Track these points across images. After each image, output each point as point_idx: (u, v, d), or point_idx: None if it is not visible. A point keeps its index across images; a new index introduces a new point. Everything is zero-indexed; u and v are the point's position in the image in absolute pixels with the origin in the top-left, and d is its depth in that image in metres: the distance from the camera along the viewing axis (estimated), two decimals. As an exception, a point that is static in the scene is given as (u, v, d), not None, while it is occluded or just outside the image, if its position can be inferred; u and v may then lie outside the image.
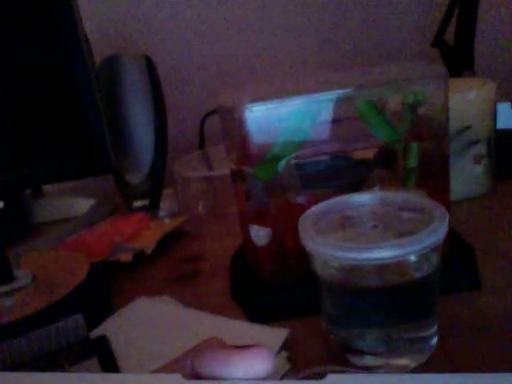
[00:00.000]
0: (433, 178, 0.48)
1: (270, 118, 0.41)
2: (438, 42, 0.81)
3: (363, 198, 0.38)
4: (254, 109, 0.40)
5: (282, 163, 0.42)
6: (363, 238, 0.35)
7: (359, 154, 0.54)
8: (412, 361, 0.36)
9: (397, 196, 0.38)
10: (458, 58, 0.82)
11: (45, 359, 0.41)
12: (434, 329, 0.36)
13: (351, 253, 0.33)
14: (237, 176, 0.45)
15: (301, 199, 0.48)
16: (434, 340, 0.36)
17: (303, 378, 0.33)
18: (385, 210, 0.37)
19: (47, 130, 0.67)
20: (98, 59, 0.69)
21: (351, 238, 0.35)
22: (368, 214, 0.37)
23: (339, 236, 0.36)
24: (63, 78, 0.63)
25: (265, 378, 0.21)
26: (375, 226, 0.36)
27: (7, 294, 0.49)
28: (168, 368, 0.25)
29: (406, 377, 0.25)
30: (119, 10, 0.91)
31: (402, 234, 0.34)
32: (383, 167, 0.54)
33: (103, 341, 0.42)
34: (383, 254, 0.32)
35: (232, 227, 0.63)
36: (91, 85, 0.63)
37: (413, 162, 0.47)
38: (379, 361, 0.36)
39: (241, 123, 0.40)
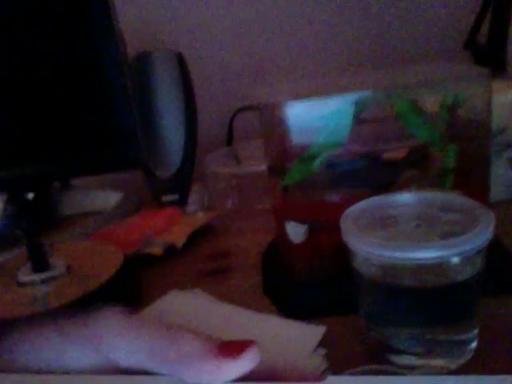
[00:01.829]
0: (471, 180, 0.47)
1: (311, 116, 0.41)
2: (470, 42, 0.81)
3: (404, 198, 0.38)
4: (295, 106, 0.40)
5: (319, 161, 0.42)
6: (406, 237, 0.35)
7: (391, 155, 0.54)
8: (450, 363, 0.36)
9: (438, 196, 0.38)
10: (490, 58, 0.81)
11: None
12: (474, 332, 0.36)
13: (394, 252, 0.32)
14: (274, 172, 0.45)
15: (334, 197, 0.48)
16: (474, 344, 0.36)
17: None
18: (426, 211, 0.37)
19: (79, 123, 0.68)
20: (130, 55, 0.70)
21: (393, 237, 0.35)
22: (409, 213, 0.37)
23: (381, 235, 0.35)
24: (97, 72, 0.63)
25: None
26: (418, 226, 0.35)
27: (43, 281, 0.50)
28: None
29: (406, 378, 0.25)
30: (151, 8, 0.91)
31: (445, 235, 0.34)
32: (414, 168, 0.54)
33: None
34: (426, 254, 0.32)
35: (261, 223, 0.63)
36: (124, 80, 0.63)
37: (451, 163, 0.47)
38: (418, 361, 0.36)
39: (281, 120, 0.40)
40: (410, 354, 0.36)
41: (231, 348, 0.23)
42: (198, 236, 0.63)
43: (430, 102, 0.46)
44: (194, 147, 0.73)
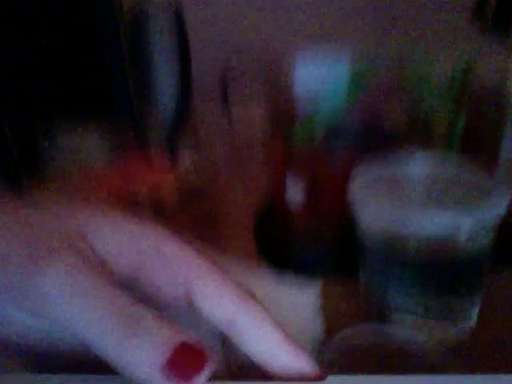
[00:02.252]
0: (480, 153, 0.45)
1: (320, 74, 0.38)
2: (479, 10, 0.77)
3: (415, 165, 0.36)
4: (304, 57, 0.37)
5: (326, 124, 0.40)
6: (414, 206, 0.33)
7: (392, 125, 0.52)
8: (448, 336, 0.35)
9: (450, 166, 0.36)
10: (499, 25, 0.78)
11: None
12: (475, 309, 0.35)
13: (400, 220, 0.31)
14: (276, 130, 0.42)
15: (336, 163, 0.46)
16: (473, 320, 0.35)
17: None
18: (438, 181, 0.35)
19: (67, 74, 0.65)
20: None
21: (401, 205, 0.33)
22: (420, 182, 0.35)
23: (388, 201, 0.34)
24: (88, 21, 0.60)
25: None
26: (428, 196, 0.34)
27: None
28: None
29: (406, 378, 0.24)
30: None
31: (456, 207, 0.32)
32: (415, 139, 0.52)
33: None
34: (434, 225, 0.31)
35: (255, 183, 0.61)
36: (117, 31, 0.60)
37: (457, 132, 0.45)
38: (416, 335, 0.34)
39: (289, 74, 0.37)
40: (408, 322, 0.35)
41: (183, 367, 0.18)
42: (188, 197, 0.61)
43: (442, 67, 0.44)
44: (188, 102, 0.70)
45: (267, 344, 0.22)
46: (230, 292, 0.22)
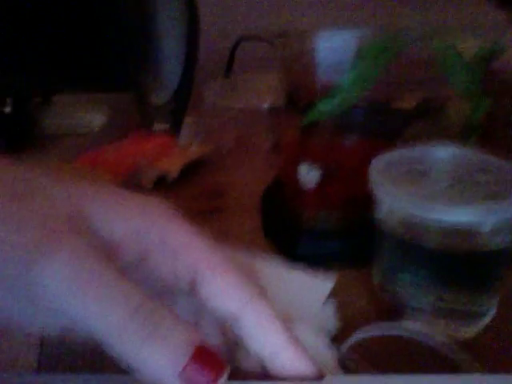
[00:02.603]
0: (496, 139, 0.44)
1: (341, 51, 0.37)
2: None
3: (437, 153, 0.35)
4: (326, 37, 0.35)
5: (346, 103, 0.38)
6: (437, 196, 0.32)
7: (399, 104, 0.50)
8: (461, 332, 0.34)
9: (473, 155, 0.35)
10: None
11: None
12: (492, 305, 0.34)
13: (422, 209, 0.30)
14: (292, 108, 0.41)
15: (351, 145, 0.45)
16: (489, 316, 0.34)
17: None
18: (460, 170, 0.34)
19: (66, 34, 0.62)
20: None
21: (423, 194, 0.32)
22: (442, 171, 0.34)
23: (410, 189, 0.32)
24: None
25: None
26: (451, 186, 0.32)
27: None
28: None
29: (407, 378, 0.23)
30: None
31: (480, 199, 0.31)
32: (423, 120, 0.50)
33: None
34: (457, 218, 0.29)
35: (259, 162, 0.60)
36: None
37: (478, 118, 0.43)
38: (429, 326, 0.34)
39: (309, 52, 0.36)
40: (422, 317, 0.34)
41: (200, 372, 0.18)
42: (191, 171, 0.59)
43: (466, 50, 0.42)
44: (193, 74, 0.68)
45: (269, 342, 0.21)
46: (237, 286, 0.21)
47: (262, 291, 0.22)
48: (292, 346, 0.21)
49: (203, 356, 0.18)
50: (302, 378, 0.21)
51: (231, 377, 0.19)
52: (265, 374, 0.22)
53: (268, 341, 0.21)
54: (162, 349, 0.17)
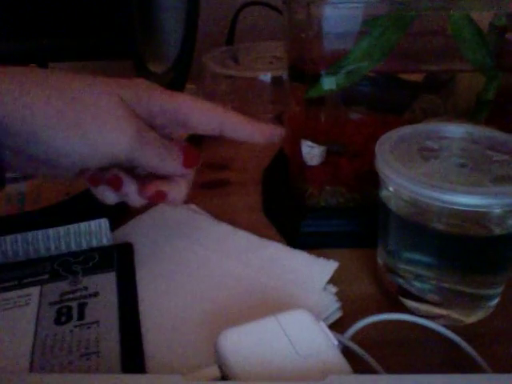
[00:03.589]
0: (508, 116, 0.42)
1: (351, 21, 0.35)
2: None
3: (448, 130, 0.33)
4: (335, 5, 0.33)
5: (354, 76, 0.36)
6: (448, 176, 0.30)
7: (407, 76, 0.48)
8: (467, 317, 0.33)
9: (485, 132, 0.33)
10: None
11: (59, 260, 0.37)
12: (498, 289, 0.33)
13: (430, 191, 0.28)
14: (296, 81, 0.39)
15: (356, 118, 0.43)
16: (495, 301, 0.33)
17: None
18: (473, 148, 0.32)
19: (66, 1, 0.60)
20: None
21: (433, 174, 0.30)
22: (453, 149, 0.32)
23: (419, 168, 0.31)
24: None
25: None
26: (463, 165, 0.31)
27: (15, 179, 0.45)
28: None
29: (406, 378, 0.22)
30: None
31: (495, 179, 0.30)
32: (432, 94, 0.48)
33: (128, 248, 0.38)
34: (466, 200, 0.28)
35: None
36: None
37: (490, 94, 0.41)
38: (434, 309, 0.33)
39: (317, 20, 0.34)
40: (427, 301, 0.33)
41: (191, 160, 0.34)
42: (193, 143, 0.57)
43: (481, 20, 0.40)
44: (193, 42, 0.65)
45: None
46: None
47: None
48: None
49: (190, 151, 0.33)
50: (303, 378, 0.21)
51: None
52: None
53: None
54: (173, 161, 0.32)
